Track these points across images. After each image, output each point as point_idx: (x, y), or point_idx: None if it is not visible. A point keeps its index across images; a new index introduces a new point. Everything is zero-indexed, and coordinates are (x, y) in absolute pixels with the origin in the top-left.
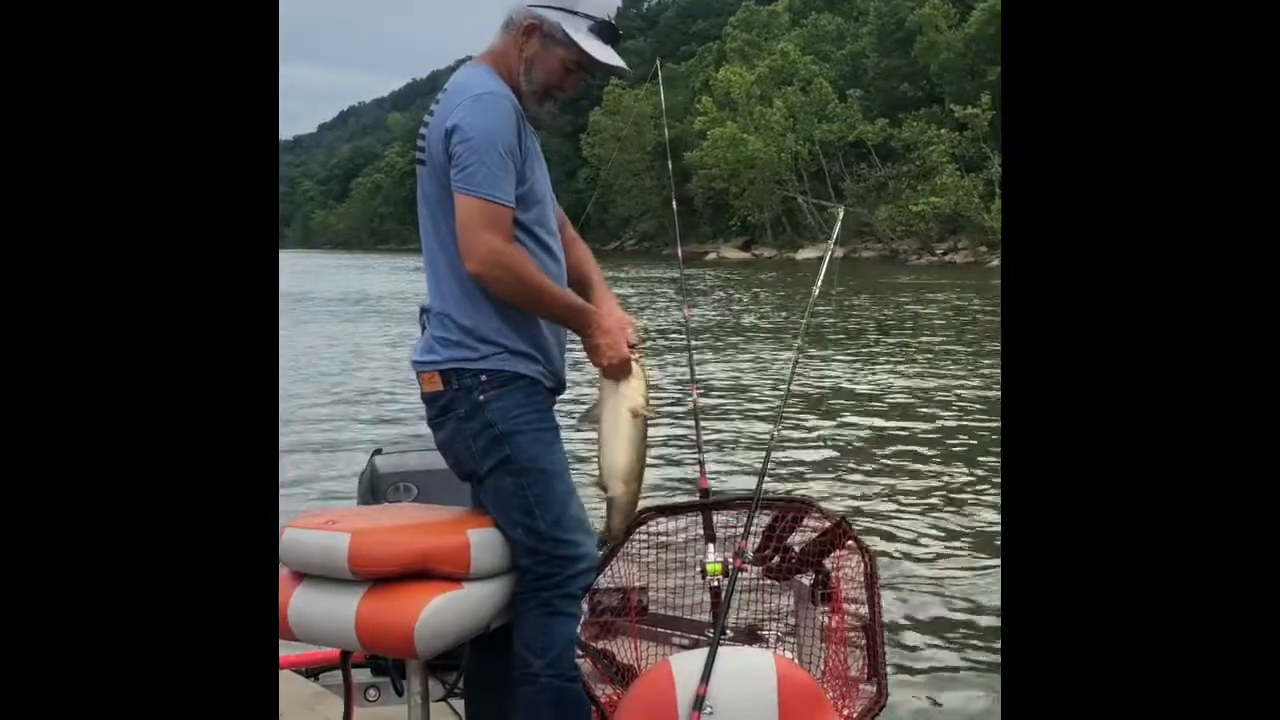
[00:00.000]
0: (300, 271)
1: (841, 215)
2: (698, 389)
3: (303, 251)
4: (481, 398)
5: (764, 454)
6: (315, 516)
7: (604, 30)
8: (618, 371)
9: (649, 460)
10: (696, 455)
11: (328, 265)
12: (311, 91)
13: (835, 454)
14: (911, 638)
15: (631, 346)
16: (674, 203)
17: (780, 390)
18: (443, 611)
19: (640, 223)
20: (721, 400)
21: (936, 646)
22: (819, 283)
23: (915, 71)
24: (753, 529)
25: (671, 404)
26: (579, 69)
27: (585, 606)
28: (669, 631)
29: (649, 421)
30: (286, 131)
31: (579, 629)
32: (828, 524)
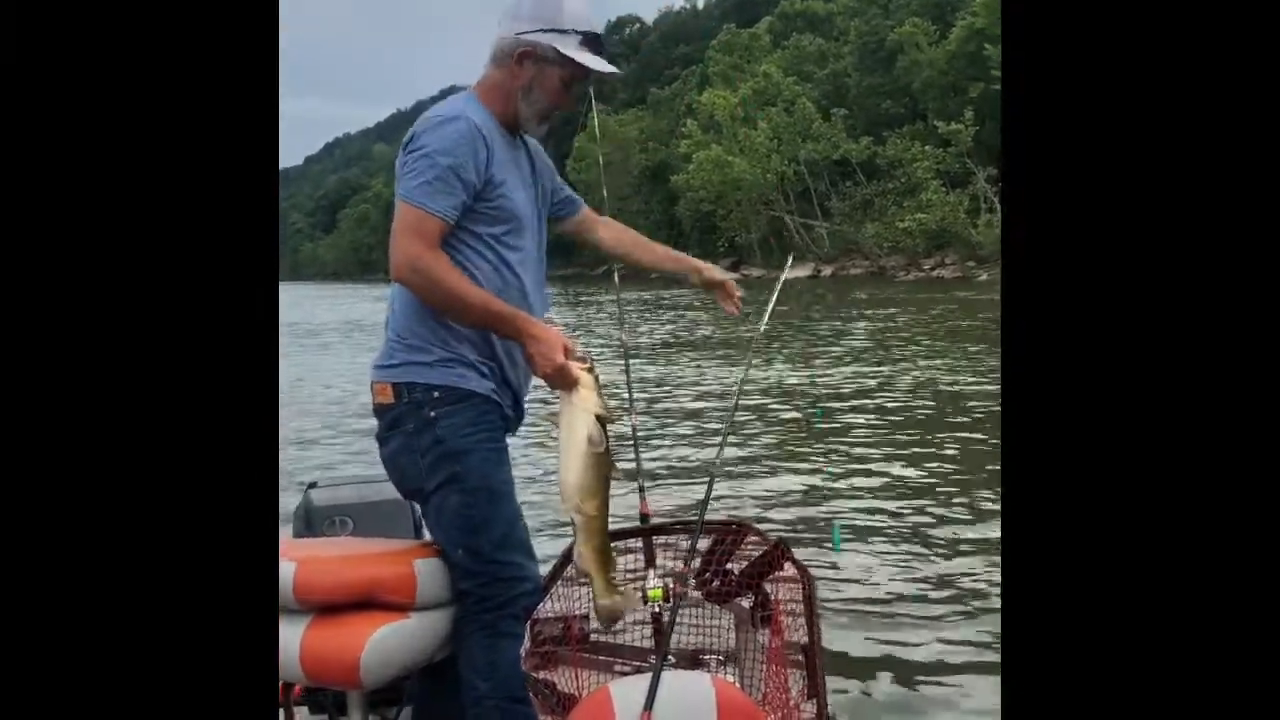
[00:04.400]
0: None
1: (790, 264)
2: (636, 414)
3: (292, 284)
4: (432, 413)
5: (706, 478)
6: None
7: (592, 42)
8: (557, 381)
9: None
10: (636, 480)
11: (311, 296)
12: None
13: (776, 473)
14: (852, 656)
15: (569, 352)
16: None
17: (724, 410)
18: (388, 641)
19: None
20: (667, 420)
21: (878, 667)
22: (766, 316)
23: (898, 89)
24: (693, 553)
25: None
26: (575, 83)
27: (527, 636)
28: (611, 659)
29: (603, 429)
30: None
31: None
32: (766, 546)
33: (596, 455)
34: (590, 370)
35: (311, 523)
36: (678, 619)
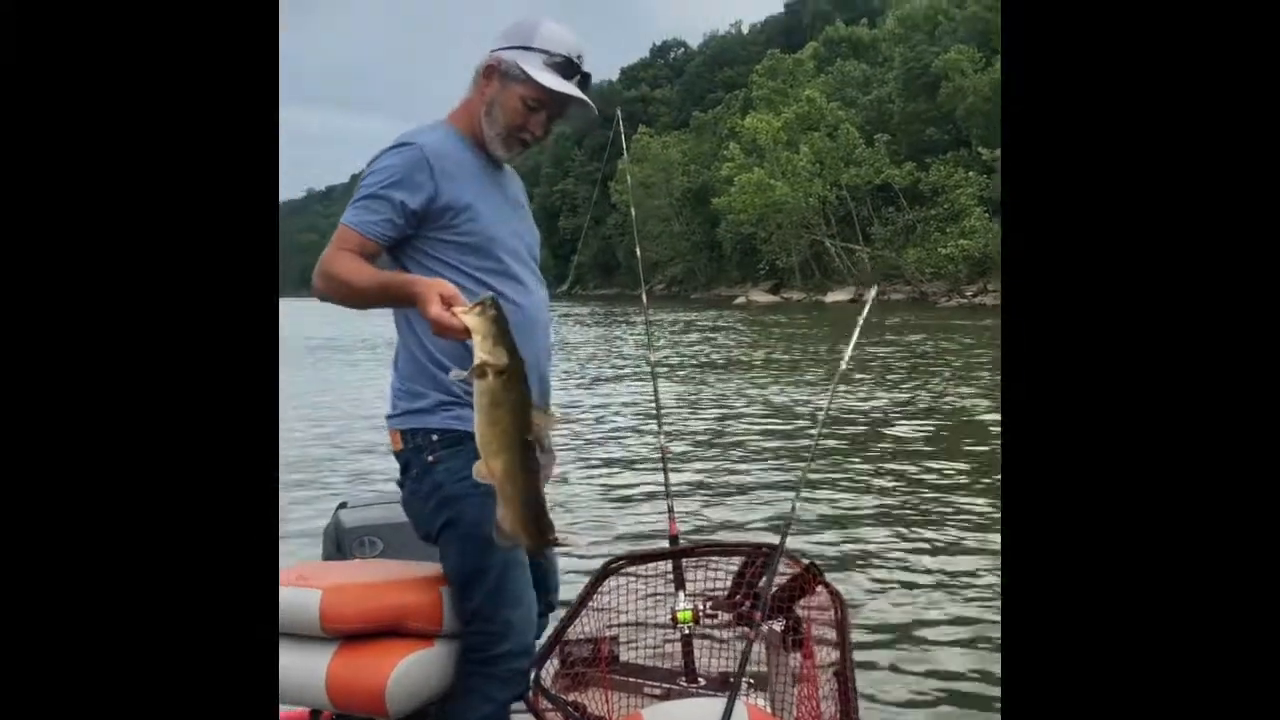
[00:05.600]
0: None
1: (872, 297)
2: (665, 434)
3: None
4: (431, 458)
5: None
6: (286, 572)
7: (562, 66)
8: (442, 333)
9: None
10: (665, 500)
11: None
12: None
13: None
14: (885, 681)
15: (449, 301)
16: (638, 250)
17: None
18: (415, 669)
19: (669, 267)
20: (696, 442)
21: (911, 689)
22: (850, 347)
23: (941, 116)
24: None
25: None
26: (539, 106)
27: (555, 658)
28: (641, 681)
29: (504, 379)
30: (320, 181)
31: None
32: (797, 569)
33: (492, 409)
34: (484, 314)
35: (341, 544)
36: (707, 642)
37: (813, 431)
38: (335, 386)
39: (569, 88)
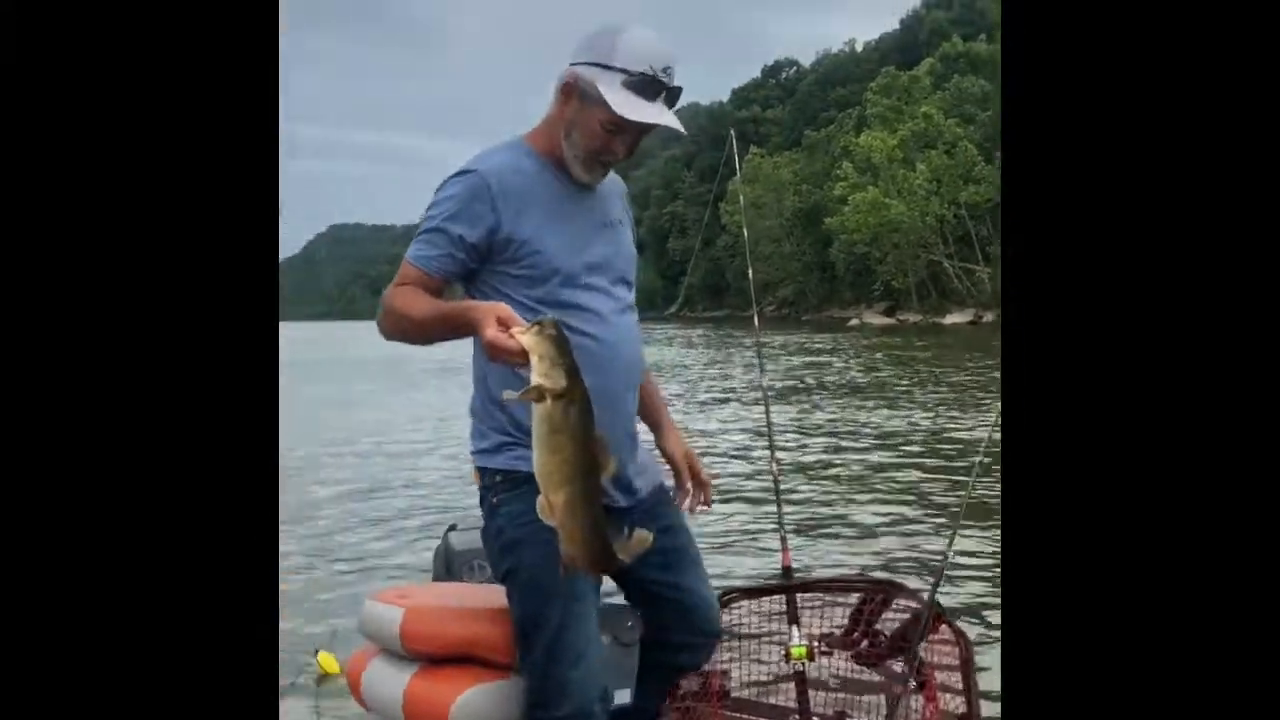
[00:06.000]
0: None
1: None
2: (778, 462)
3: None
4: (495, 500)
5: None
6: (394, 591)
7: (644, 84)
8: (496, 357)
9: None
10: (778, 531)
11: None
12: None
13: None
14: None
15: (505, 323)
16: (749, 271)
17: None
18: (480, 700)
19: (780, 289)
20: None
21: None
22: None
23: None
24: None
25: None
26: (620, 129)
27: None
28: (752, 718)
29: (563, 404)
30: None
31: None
32: (918, 607)
33: (551, 436)
34: (541, 333)
35: (450, 566)
36: (823, 679)
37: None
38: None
39: (648, 114)
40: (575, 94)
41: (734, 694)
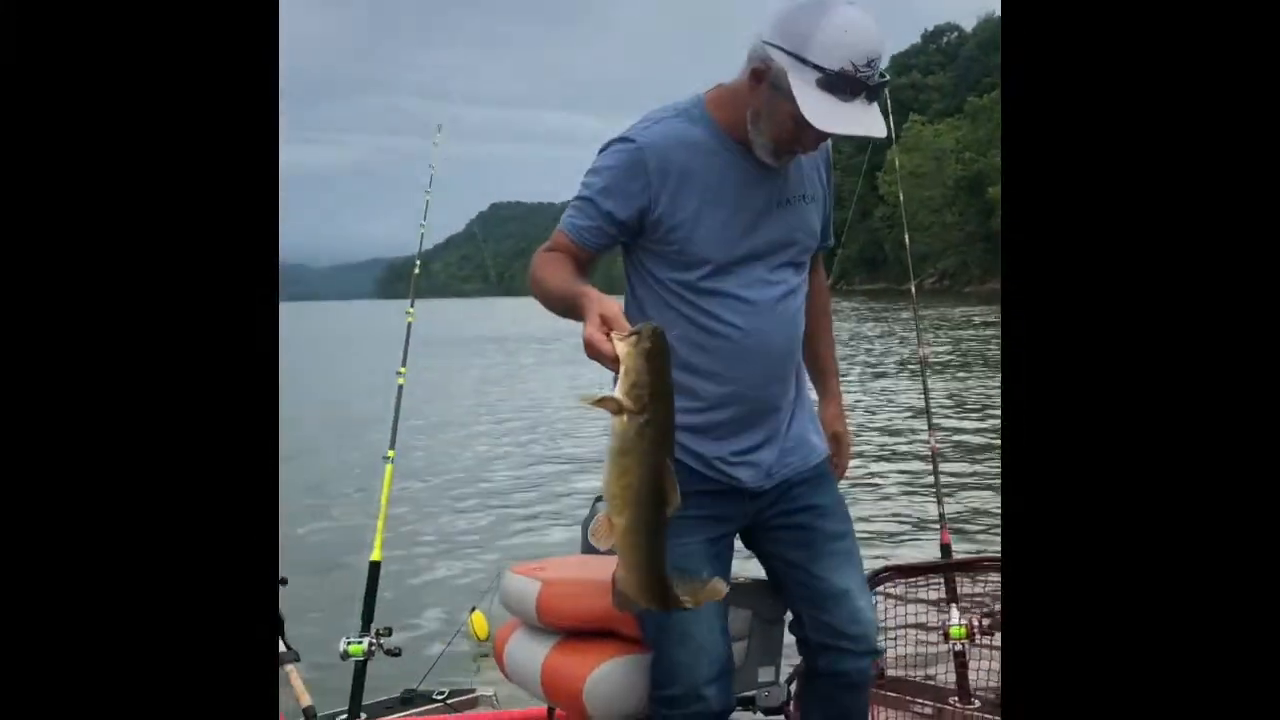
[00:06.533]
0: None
1: None
2: (935, 434)
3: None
4: None
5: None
6: (533, 564)
7: (840, 84)
8: (591, 355)
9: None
10: (936, 508)
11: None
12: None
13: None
14: None
15: (609, 323)
16: (906, 241)
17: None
18: (615, 674)
19: (941, 260)
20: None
21: None
22: None
23: None
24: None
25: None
26: (810, 126)
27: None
28: (910, 699)
29: (638, 424)
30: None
31: None
32: None
33: (620, 457)
34: (636, 345)
35: None
36: (984, 660)
37: None
38: None
39: (840, 121)
40: (766, 80)
41: (889, 673)
